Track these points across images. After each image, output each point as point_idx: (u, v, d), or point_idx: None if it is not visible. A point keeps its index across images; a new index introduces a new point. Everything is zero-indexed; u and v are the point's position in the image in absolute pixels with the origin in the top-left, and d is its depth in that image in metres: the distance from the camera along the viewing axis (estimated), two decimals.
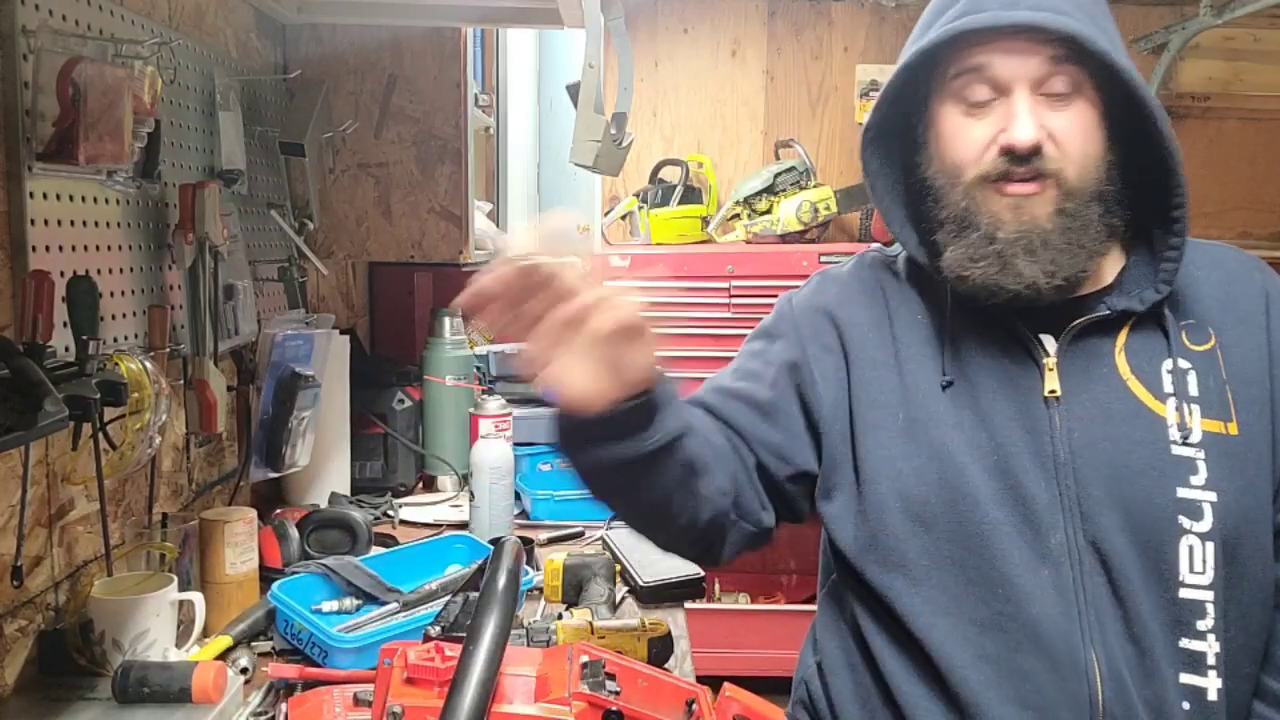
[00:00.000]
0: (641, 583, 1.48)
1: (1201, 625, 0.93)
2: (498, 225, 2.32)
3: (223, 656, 1.20)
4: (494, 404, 1.88)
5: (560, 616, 1.32)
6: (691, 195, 3.40)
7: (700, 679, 1.25)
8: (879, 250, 1.17)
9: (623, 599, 1.47)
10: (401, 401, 1.93)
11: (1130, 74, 0.94)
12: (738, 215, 3.35)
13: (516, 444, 1.83)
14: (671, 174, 3.46)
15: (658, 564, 1.53)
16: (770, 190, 3.28)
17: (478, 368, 2.04)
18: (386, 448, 1.91)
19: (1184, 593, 0.94)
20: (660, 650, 1.26)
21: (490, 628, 0.59)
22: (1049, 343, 1.01)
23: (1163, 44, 3.53)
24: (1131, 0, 3.68)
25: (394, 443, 1.91)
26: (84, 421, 1.01)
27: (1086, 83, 0.95)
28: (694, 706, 0.65)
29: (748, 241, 3.28)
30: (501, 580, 0.65)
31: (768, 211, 3.26)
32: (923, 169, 1.03)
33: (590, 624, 1.26)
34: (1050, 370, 0.99)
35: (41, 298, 1.01)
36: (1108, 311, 1.00)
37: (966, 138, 0.98)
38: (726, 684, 0.74)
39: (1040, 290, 0.96)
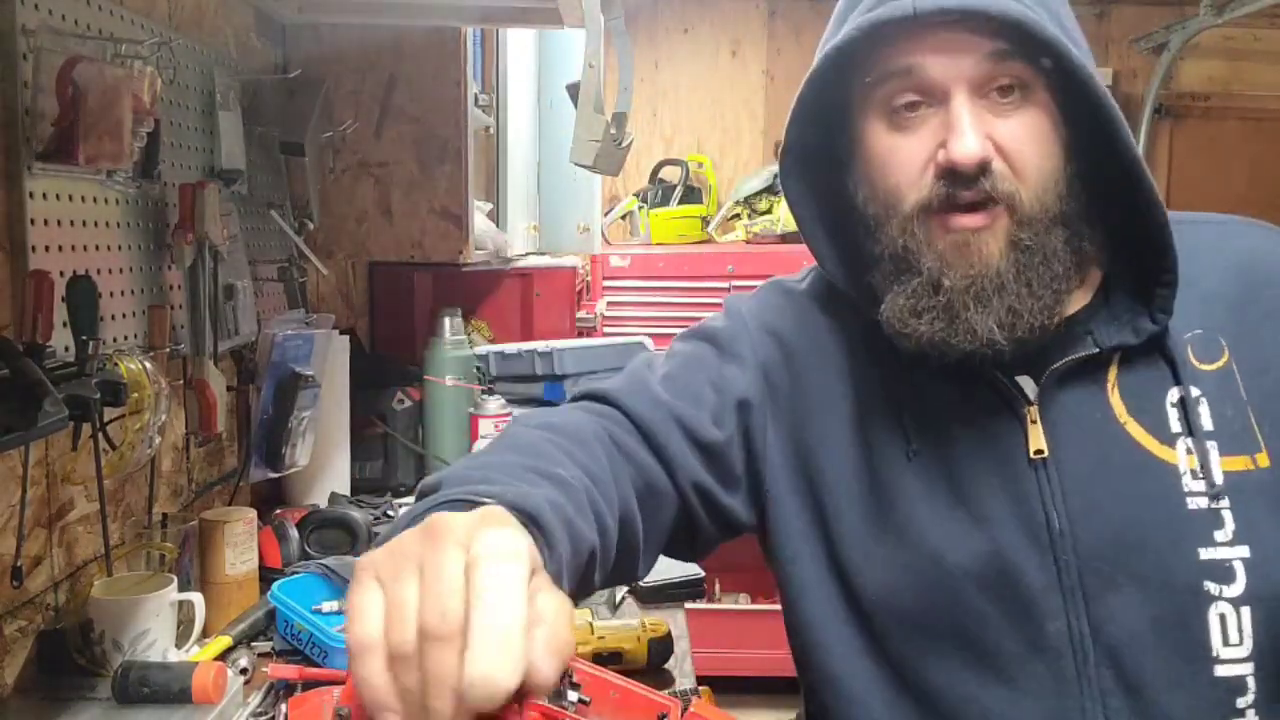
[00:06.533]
0: (641, 583, 1.48)
1: (1242, 702, 0.78)
2: (498, 225, 2.32)
3: (223, 657, 1.20)
4: (494, 404, 1.88)
5: None
6: (691, 195, 3.40)
7: (700, 679, 1.25)
8: None
9: (623, 599, 1.47)
10: (401, 401, 1.93)
11: (1085, 69, 0.76)
12: (738, 215, 3.35)
13: None
14: (671, 174, 3.46)
15: (658, 564, 1.54)
16: (770, 190, 3.28)
17: (478, 368, 2.04)
18: (386, 448, 1.91)
19: (1221, 670, 0.78)
20: (660, 650, 1.26)
21: None
22: (1029, 387, 0.83)
23: (1163, 44, 3.53)
24: (1131, 0, 3.68)
25: (394, 443, 1.91)
26: (84, 421, 1.01)
27: (1036, 81, 0.78)
28: None
29: (748, 241, 3.28)
30: None
31: (768, 211, 3.26)
32: (852, 196, 0.86)
33: (590, 624, 1.26)
34: (1034, 423, 0.82)
35: (41, 298, 1.01)
36: (1096, 349, 0.82)
37: (898, 158, 0.80)
38: (695, 699, 0.71)
39: (998, 345, 0.78)
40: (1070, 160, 0.80)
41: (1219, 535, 0.78)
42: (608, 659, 1.22)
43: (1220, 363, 0.82)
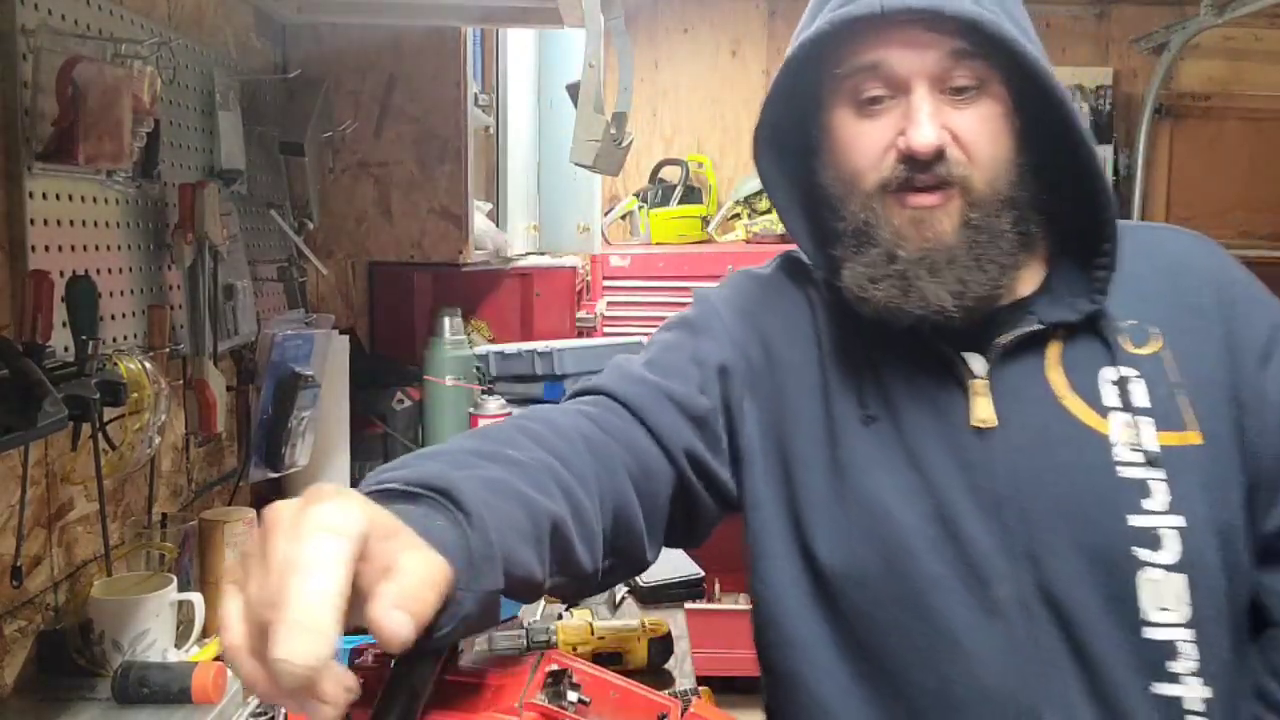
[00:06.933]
0: (641, 583, 1.48)
1: (1175, 667, 0.82)
2: (498, 225, 2.32)
3: (222, 657, 1.20)
4: (494, 404, 1.88)
5: (560, 617, 1.32)
6: (691, 195, 3.40)
7: (700, 679, 1.25)
8: (800, 252, 1.02)
9: (623, 599, 1.47)
10: (401, 401, 1.93)
11: (1039, 64, 0.82)
12: (738, 215, 3.35)
13: None
14: (671, 174, 3.46)
15: (658, 564, 1.54)
16: None
17: (478, 368, 2.04)
18: (386, 448, 1.91)
19: (1150, 633, 0.82)
20: (660, 650, 1.26)
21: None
22: (976, 363, 0.89)
23: (1163, 44, 3.53)
24: (1131, 0, 3.68)
25: (394, 443, 1.91)
26: (83, 421, 1.01)
27: (993, 77, 0.84)
28: None
29: (748, 241, 3.28)
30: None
31: (768, 211, 3.26)
32: (819, 176, 0.92)
33: (590, 624, 1.26)
34: (979, 395, 0.87)
35: (41, 298, 1.02)
36: (1039, 325, 0.88)
37: (863, 143, 0.87)
38: (695, 699, 0.71)
39: (947, 312, 0.85)
40: (1022, 151, 0.87)
41: (1147, 504, 0.83)
42: (608, 659, 1.22)
43: (1153, 348, 0.89)
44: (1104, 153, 3.68)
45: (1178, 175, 3.75)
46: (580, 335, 2.57)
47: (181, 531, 1.29)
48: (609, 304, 2.98)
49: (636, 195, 3.40)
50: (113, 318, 1.19)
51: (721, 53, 3.73)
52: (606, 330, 2.85)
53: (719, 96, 3.72)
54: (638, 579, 1.48)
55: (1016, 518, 0.85)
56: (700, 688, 1.23)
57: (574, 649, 1.21)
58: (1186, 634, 0.82)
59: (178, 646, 1.17)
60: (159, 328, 1.26)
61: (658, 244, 3.25)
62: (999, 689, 0.84)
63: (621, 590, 1.48)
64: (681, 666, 1.28)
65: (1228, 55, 3.71)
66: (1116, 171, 3.70)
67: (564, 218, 2.75)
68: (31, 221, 1.05)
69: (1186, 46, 3.51)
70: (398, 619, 0.48)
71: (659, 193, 3.38)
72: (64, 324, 1.06)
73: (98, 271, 1.15)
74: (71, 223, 1.12)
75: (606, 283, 3.01)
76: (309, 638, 0.45)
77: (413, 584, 0.50)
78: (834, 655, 0.90)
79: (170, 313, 1.30)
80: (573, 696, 0.59)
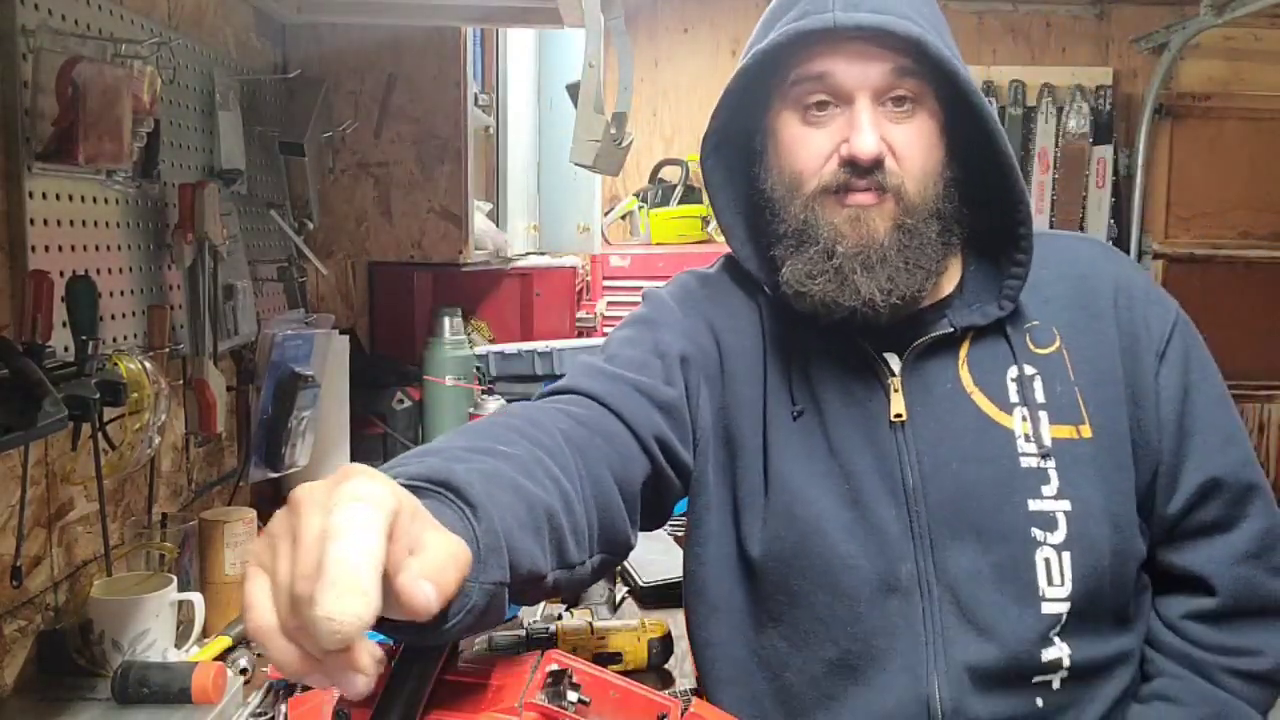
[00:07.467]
0: (641, 583, 1.48)
1: (1059, 634, 0.92)
2: (498, 225, 2.32)
3: (222, 657, 1.20)
4: (494, 404, 1.88)
5: (560, 617, 1.32)
6: (691, 195, 3.40)
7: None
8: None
9: (623, 599, 1.47)
10: (401, 401, 1.93)
11: (971, 84, 0.90)
12: None
13: None
14: (671, 174, 3.46)
15: (658, 564, 1.54)
16: None
17: (478, 368, 2.04)
18: (386, 448, 1.91)
19: (1047, 607, 0.91)
20: (660, 651, 1.26)
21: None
22: (894, 362, 0.97)
23: (1163, 44, 3.53)
24: (1131, 0, 3.68)
25: (394, 443, 1.91)
26: (83, 421, 1.01)
27: (928, 94, 0.91)
28: None
29: None
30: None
31: None
32: (761, 180, 0.98)
33: (590, 624, 1.26)
34: (895, 392, 0.95)
35: (41, 298, 1.02)
36: (951, 329, 0.96)
37: (807, 148, 0.93)
38: (695, 699, 0.72)
39: (877, 307, 0.92)
40: (949, 166, 0.94)
41: (1045, 490, 0.92)
42: (608, 659, 1.22)
43: (1053, 348, 0.97)
44: (1104, 153, 3.69)
45: (1178, 175, 3.76)
46: (580, 335, 2.57)
47: (181, 531, 1.29)
48: (609, 304, 2.98)
49: (636, 195, 3.40)
50: (113, 318, 1.19)
51: (721, 52, 3.73)
52: (606, 330, 2.84)
53: (719, 96, 3.72)
54: (638, 579, 1.48)
55: (923, 504, 0.93)
56: (675, 700, 1.22)
57: (574, 649, 1.21)
58: (1067, 606, 0.91)
59: (178, 646, 1.17)
60: (159, 328, 1.26)
61: (658, 244, 3.25)
62: (894, 659, 0.92)
63: (622, 590, 1.48)
64: (681, 666, 1.28)
65: (1228, 55, 3.72)
66: (1116, 171, 3.70)
67: (564, 218, 2.75)
68: (31, 221, 1.05)
69: (1186, 46, 3.51)
70: (426, 588, 0.49)
71: (659, 193, 3.38)
72: (64, 324, 1.06)
73: (98, 271, 1.15)
74: (71, 223, 1.12)
75: (606, 283, 3.01)
76: (352, 597, 0.45)
77: (439, 558, 0.52)
78: (751, 625, 0.98)
79: (170, 313, 1.30)
80: (573, 696, 0.59)
